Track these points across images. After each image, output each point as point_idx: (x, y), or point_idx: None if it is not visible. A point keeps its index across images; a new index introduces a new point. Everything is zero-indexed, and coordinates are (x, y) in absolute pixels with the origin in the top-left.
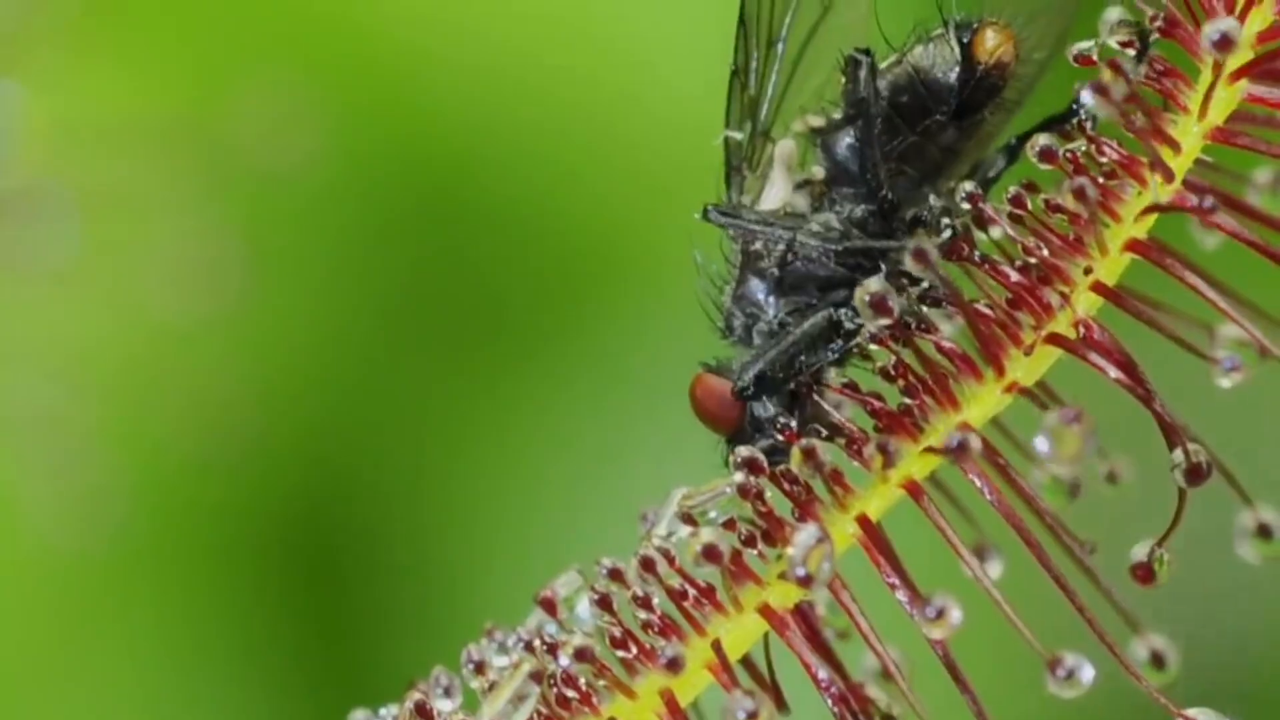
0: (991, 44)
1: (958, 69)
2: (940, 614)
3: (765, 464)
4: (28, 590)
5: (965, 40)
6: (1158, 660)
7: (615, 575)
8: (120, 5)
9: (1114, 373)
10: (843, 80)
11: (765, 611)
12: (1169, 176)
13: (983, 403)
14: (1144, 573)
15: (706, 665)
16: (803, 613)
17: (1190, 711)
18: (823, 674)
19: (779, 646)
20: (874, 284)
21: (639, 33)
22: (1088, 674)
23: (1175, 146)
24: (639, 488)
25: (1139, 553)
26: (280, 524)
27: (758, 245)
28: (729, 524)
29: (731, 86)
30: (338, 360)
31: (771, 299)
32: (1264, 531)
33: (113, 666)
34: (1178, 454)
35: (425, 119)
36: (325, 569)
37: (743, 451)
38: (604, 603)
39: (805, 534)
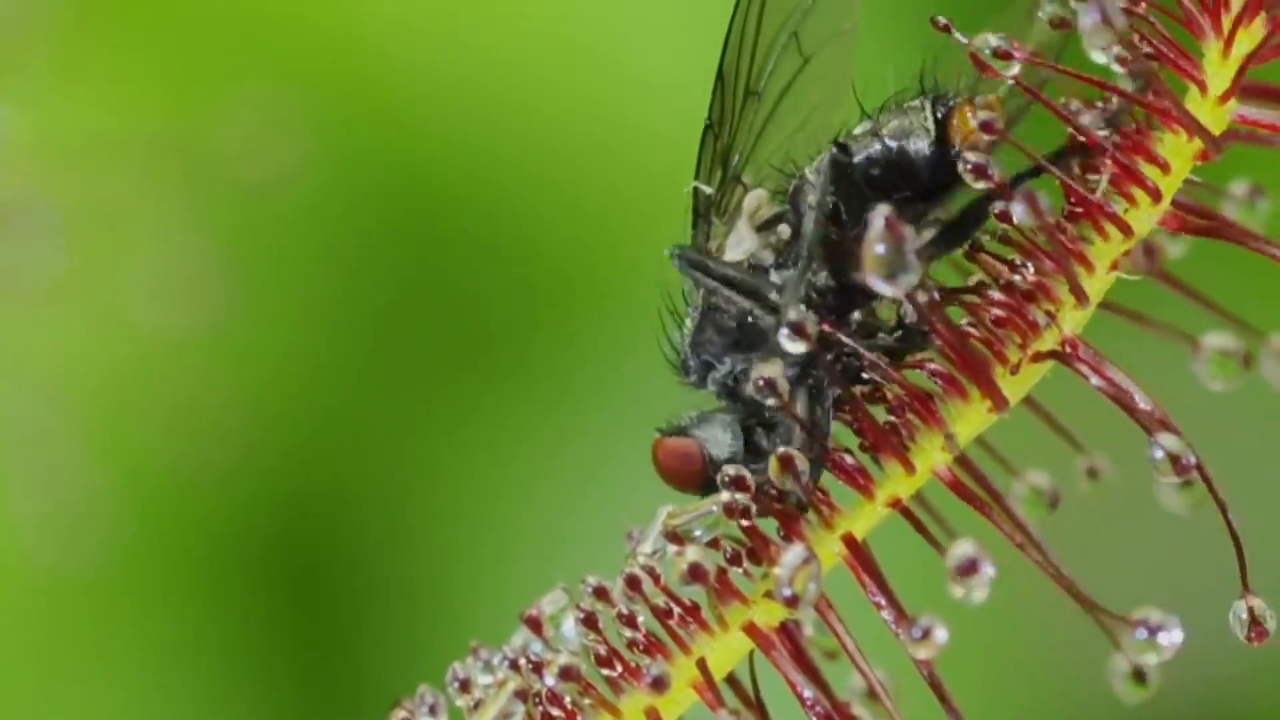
0: (969, 125)
1: (932, 147)
2: (926, 634)
3: (751, 482)
4: (11, 605)
5: (941, 116)
6: (1139, 675)
7: (600, 594)
8: (104, 21)
9: (1095, 381)
10: (817, 173)
11: (751, 630)
12: (1157, 197)
13: (969, 421)
14: (1259, 632)
15: (692, 684)
16: (788, 631)
17: (1137, 614)
18: (808, 693)
19: (765, 665)
20: (768, 368)
21: (628, 48)
22: (987, 575)
23: (1165, 167)
24: (625, 506)
25: (1240, 611)
26: (265, 540)
27: (718, 300)
28: (714, 542)
29: (704, 138)
30: (323, 375)
31: (729, 355)
32: (1173, 462)
33: (96, 682)
34: (1158, 451)
35: (409, 132)
36: (311, 586)
37: (729, 470)
38: (589, 621)
39: (792, 554)
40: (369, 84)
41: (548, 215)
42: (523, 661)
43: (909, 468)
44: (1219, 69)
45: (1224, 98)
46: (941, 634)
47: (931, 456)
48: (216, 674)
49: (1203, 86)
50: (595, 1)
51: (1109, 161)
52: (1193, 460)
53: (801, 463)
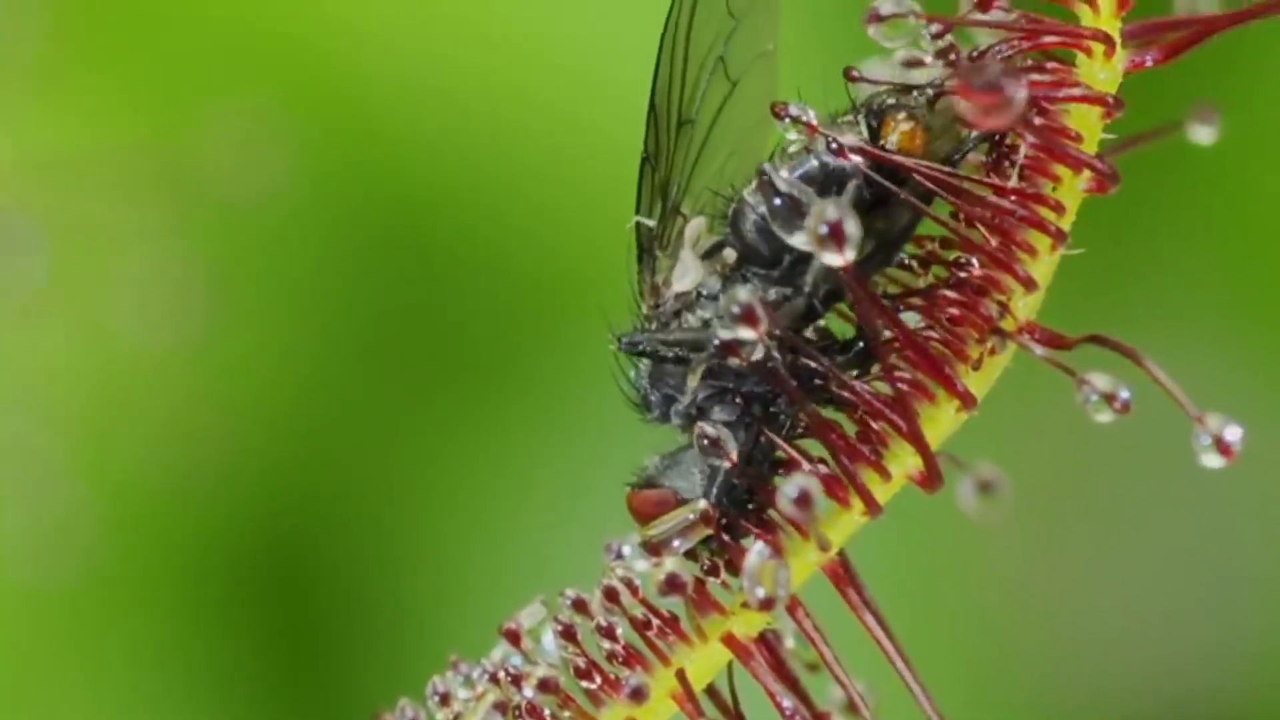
0: (899, 133)
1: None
2: (802, 497)
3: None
4: None
5: (874, 125)
6: (986, 488)
7: (579, 606)
8: (85, 36)
9: (1040, 352)
10: (757, 190)
11: (729, 640)
12: (1079, 167)
13: (939, 424)
14: (1225, 449)
15: (671, 695)
16: (767, 642)
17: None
18: (787, 703)
19: (745, 676)
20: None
21: (611, 63)
22: None
23: (1076, 136)
24: (611, 520)
25: (1203, 439)
26: (249, 554)
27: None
28: (692, 553)
29: (642, 172)
30: (307, 389)
31: (688, 385)
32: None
33: (79, 696)
34: (1088, 393)
35: (392, 147)
36: (294, 601)
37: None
38: (568, 633)
39: (755, 552)
40: (350, 98)
41: (532, 228)
42: (502, 674)
43: (884, 474)
44: (1097, 24)
45: (1110, 52)
46: (816, 492)
47: (905, 461)
48: (199, 688)
49: (1087, 50)
50: (577, 18)
51: (1024, 146)
52: (1126, 394)
53: (727, 441)
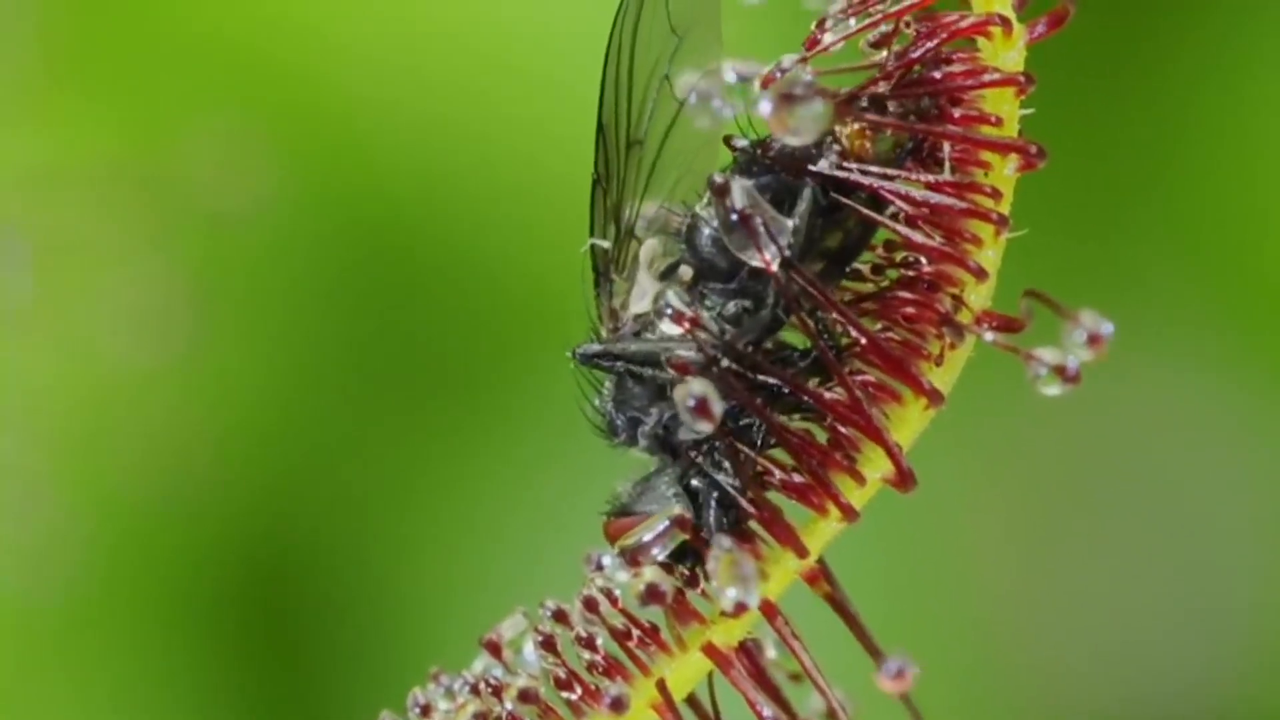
0: (848, 131)
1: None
2: (700, 404)
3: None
4: None
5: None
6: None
7: (560, 617)
8: (70, 52)
9: (987, 338)
10: (708, 202)
11: (710, 650)
12: (1005, 150)
13: (909, 423)
14: (1094, 340)
15: (651, 705)
16: (748, 651)
17: None
18: (767, 711)
19: (725, 686)
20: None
21: (597, 83)
22: None
23: (997, 121)
24: (589, 535)
25: (1078, 337)
26: (233, 571)
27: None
28: (670, 566)
29: (594, 194)
30: (291, 405)
31: (654, 407)
32: (1059, 372)
33: (66, 712)
34: (1036, 368)
35: (376, 164)
36: (277, 614)
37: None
38: (548, 644)
39: (717, 548)
40: (335, 115)
41: (516, 244)
42: (483, 686)
43: (858, 479)
44: (990, 7)
45: (1008, 32)
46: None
47: (879, 464)
48: (185, 705)
49: (986, 34)
50: (564, 38)
51: (946, 141)
52: (1075, 364)
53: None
